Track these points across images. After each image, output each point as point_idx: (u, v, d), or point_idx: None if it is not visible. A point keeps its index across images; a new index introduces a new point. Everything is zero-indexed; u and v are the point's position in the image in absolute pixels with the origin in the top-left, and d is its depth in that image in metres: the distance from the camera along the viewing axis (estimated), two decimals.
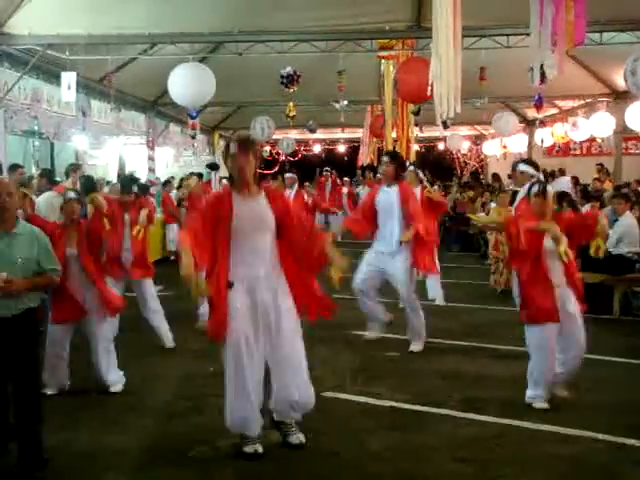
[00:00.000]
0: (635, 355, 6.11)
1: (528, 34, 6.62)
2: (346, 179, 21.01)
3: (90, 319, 5.13)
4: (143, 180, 11.96)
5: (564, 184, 12.32)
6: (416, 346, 6.44)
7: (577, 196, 11.26)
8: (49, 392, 5.04)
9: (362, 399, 5.10)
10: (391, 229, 6.39)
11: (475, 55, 10.83)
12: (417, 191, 8.31)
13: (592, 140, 17.05)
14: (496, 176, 18.18)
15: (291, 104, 13.76)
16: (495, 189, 14.87)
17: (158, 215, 10.83)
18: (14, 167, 8.27)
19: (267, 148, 23.63)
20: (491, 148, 22.31)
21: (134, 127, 14.88)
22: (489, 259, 10.31)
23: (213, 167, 14.22)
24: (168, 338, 6.63)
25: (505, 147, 20.13)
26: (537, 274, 4.70)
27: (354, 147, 24.18)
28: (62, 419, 4.59)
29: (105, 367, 5.21)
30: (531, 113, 18.16)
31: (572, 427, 4.45)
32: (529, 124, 19.52)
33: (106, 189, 10.80)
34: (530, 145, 19.31)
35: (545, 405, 4.79)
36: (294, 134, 21.25)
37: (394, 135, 14.28)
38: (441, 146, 24.30)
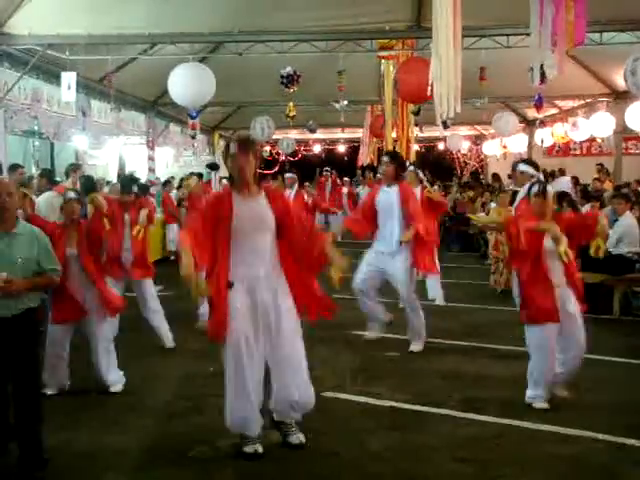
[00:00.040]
0: (635, 355, 6.11)
1: (528, 34, 6.63)
2: (346, 179, 21.02)
3: (90, 319, 5.13)
4: (143, 180, 11.96)
5: (564, 184, 12.31)
6: (416, 346, 6.44)
7: (577, 196, 11.26)
8: (49, 392, 5.04)
9: (362, 399, 5.10)
10: (391, 229, 6.39)
11: (475, 55, 10.83)
12: (417, 191, 8.31)
13: (592, 140, 17.05)
14: (496, 176, 18.18)
15: (291, 104, 13.75)
16: (495, 189, 14.87)
17: (158, 215, 10.83)
18: (14, 167, 8.27)
19: (267, 148, 23.63)
20: (491, 148, 22.31)
21: (134, 127, 14.88)
22: (489, 259, 10.32)
23: (213, 167, 14.22)
24: (168, 338, 6.63)
25: (505, 147, 20.13)
26: (537, 274, 4.70)
27: (354, 147, 24.18)
28: (62, 419, 4.59)
29: (105, 367, 5.22)
30: (531, 113, 18.16)
31: (572, 427, 4.45)
32: (529, 124, 19.52)
33: (106, 189, 10.80)
34: (530, 145, 19.31)
35: (545, 405, 4.79)
36: (294, 134, 21.25)
37: (394, 135, 14.27)
38: (441, 146, 24.30)
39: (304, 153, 26.28)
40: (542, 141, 17.89)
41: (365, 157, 19.15)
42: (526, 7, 6.14)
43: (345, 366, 5.93)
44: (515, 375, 5.22)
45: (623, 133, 14.66)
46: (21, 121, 10.13)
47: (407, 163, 9.86)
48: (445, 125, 12.78)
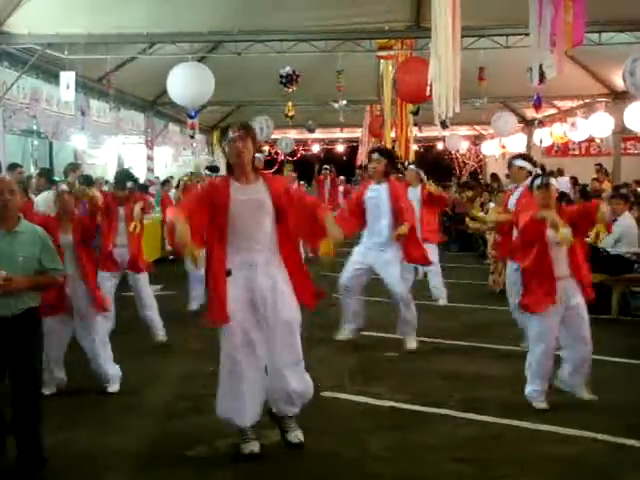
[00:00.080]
0: (634, 355, 6.11)
1: (527, 34, 6.64)
2: (341, 177, 21.06)
3: (85, 313, 5.11)
4: (142, 180, 11.97)
5: (563, 184, 12.28)
6: (412, 343, 6.41)
7: (576, 196, 11.27)
8: (47, 392, 5.03)
9: (362, 399, 5.09)
10: (380, 227, 6.33)
11: (474, 55, 10.83)
12: (418, 190, 8.34)
13: (591, 140, 17.09)
14: (495, 176, 18.21)
15: (290, 104, 13.76)
16: (494, 189, 14.88)
17: (157, 215, 10.83)
18: (13, 166, 8.27)
19: (266, 148, 23.62)
20: (490, 148, 22.33)
21: (133, 127, 14.88)
22: (488, 259, 10.32)
23: (213, 170, 14.15)
24: (162, 333, 6.62)
25: (504, 147, 20.14)
26: (540, 266, 4.70)
27: (353, 147, 24.20)
28: (61, 419, 4.58)
29: (103, 360, 5.20)
30: (530, 113, 18.18)
31: (572, 427, 4.45)
32: (528, 124, 19.54)
33: (105, 188, 10.79)
34: (529, 145, 19.32)
35: (544, 405, 4.78)
36: (293, 134, 21.26)
37: (393, 135, 14.29)
38: (440, 146, 24.31)
39: (303, 153, 26.28)
40: (541, 141, 17.90)
41: (364, 157, 19.13)
42: (525, 7, 6.15)
43: (344, 366, 5.93)
44: (515, 375, 5.22)
45: (622, 133, 14.70)
46: (20, 120, 10.12)
47: (407, 162, 9.84)
48: (444, 125, 12.78)
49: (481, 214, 6.42)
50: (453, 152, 25.71)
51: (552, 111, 18.10)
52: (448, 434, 4.43)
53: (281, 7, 9.33)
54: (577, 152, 19.48)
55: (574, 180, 14.09)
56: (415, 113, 12.13)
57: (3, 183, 3.87)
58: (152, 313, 6.61)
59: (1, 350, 3.73)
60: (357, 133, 20.90)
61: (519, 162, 6.38)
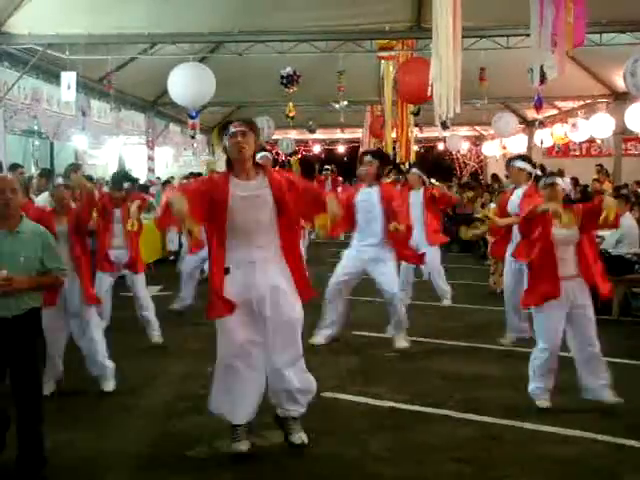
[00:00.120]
0: (634, 356, 6.11)
1: (528, 35, 6.63)
2: (340, 178, 21.15)
3: (79, 310, 5.10)
4: (143, 180, 11.96)
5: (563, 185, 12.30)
6: (401, 342, 6.40)
7: (576, 197, 11.26)
8: (45, 392, 5.01)
9: (362, 399, 5.09)
10: (373, 230, 6.31)
11: (475, 56, 10.84)
12: (420, 193, 8.34)
13: (592, 141, 17.08)
14: (495, 177, 18.20)
15: (291, 104, 13.76)
16: (494, 190, 14.87)
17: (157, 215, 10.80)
18: (14, 167, 8.27)
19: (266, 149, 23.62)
20: (491, 149, 22.33)
21: (134, 127, 14.89)
22: (488, 260, 10.31)
23: None
24: (157, 333, 6.62)
25: (505, 148, 20.14)
26: (545, 264, 4.70)
27: (354, 147, 24.20)
28: (61, 420, 4.57)
29: (102, 355, 5.20)
30: (531, 114, 18.18)
31: (572, 428, 4.44)
32: (529, 125, 19.54)
33: (106, 189, 10.80)
34: (530, 146, 19.32)
35: (547, 404, 4.77)
36: (294, 134, 21.27)
37: (394, 135, 14.28)
38: (441, 147, 24.32)
39: (304, 153, 26.29)
40: (542, 142, 17.91)
41: None
42: (526, 8, 6.15)
43: (344, 367, 5.92)
44: (515, 375, 5.22)
45: (623, 134, 14.69)
46: (21, 121, 10.14)
47: (408, 165, 9.84)
48: (444, 126, 12.80)
49: (492, 216, 6.38)
50: (454, 153, 25.73)
51: (553, 112, 18.10)
52: (448, 434, 4.43)
53: (282, 7, 9.34)
54: (578, 153, 19.47)
55: (575, 181, 14.07)
56: (416, 114, 12.14)
57: (5, 182, 3.85)
58: (149, 314, 6.61)
59: (1, 350, 3.72)
60: (358, 134, 20.90)
61: (519, 163, 6.38)
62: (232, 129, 3.94)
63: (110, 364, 5.26)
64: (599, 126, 14.74)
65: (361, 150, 19.56)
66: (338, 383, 5.43)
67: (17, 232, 3.78)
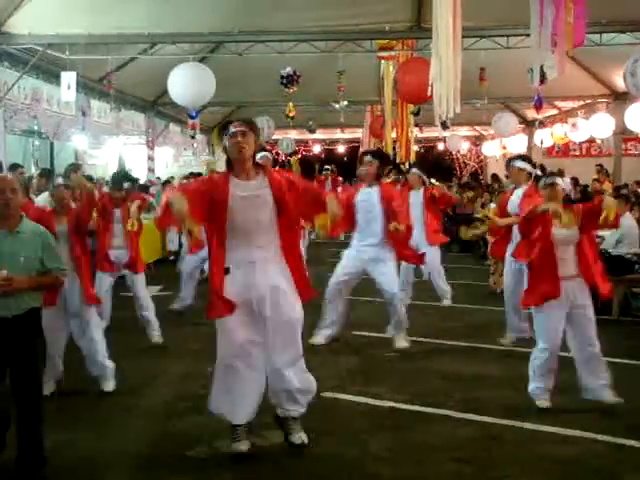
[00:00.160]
0: (634, 356, 6.11)
1: (528, 35, 6.63)
2: (340, 178, 21.18)
3: (79, 310, 5.10)
4: (143, 180, 11.96)
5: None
6: (401, 342, 6.40)
7: (576, 197, 11.26)
8: (45, 392, 5.01)
9: (362, 399, 5.09)
10: (373, 230, 6.31)
11: (475, 56, 10.85)
12: (420, 193, 8.34)
13: (592, 141, 17.08)
14: (495, 177, 18.20)
15: (291, 104, 13.76)
16: (494, 190, 14.87)
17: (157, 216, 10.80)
18: (14, 167, 8.27)
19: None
20: (491, 149, 22.33)
21: (134, 127, 14.89)
22: (488, 260, 10.31)
23: None
24: (157, 334, 6.62)
25: (505, 148, 20.14)
26: (545, 264, 4.70)
27: (354, 147, 24.20)
28: (61, 419, 4.57)
29: (102, 355, 5.20)
30: (531, 114, 18.19)
31: (572, 428, 4.44)
32: (529, 125, 19.55)
33: (106, 189, 10.80)
34: (530, 146, 19.33)
35: (547, 404, 4.77)
36: (294, 134, 21.27)
37: (394, 135, 14.28)
38: (441, 146, 24.33)
39: (304, 153, 26.29)
40: (542, 142, 17.92)
41: None
42: (526, 8, 6.15)
43: (344, 367, 5.92)
44: (515, 375, 5.22)
45: (622, 134, 14.70)
46: (21, 121, 10.14)
47: (408, 165, 9.85)
48: (444, 126, 12.80)
49: (492, 216, 6.38)
50: (454, 153, 25.73)
51: (553, 112, 18.10)
52: (448, 434, 4.43)
53: (281, 7, 9.34)
54: (578, 153, 19.48)
55: (575, 181, 14.07)
56: (416, 114, 12.14)
57: (5, 182, 3.85)
58: (149, 314, 6.61)
59: (1, 350, 3.72)
60: (358, 134, 20.90)
61: (519, 163, 6.38)
62: (232, 129, 3.94)
63: (110, 364, 5.27)
64: (599, 126, 14.74)
65: (361, 150, 19.59)
66: (338, 383, 5.43)
67: (17, 232, 3.78)
